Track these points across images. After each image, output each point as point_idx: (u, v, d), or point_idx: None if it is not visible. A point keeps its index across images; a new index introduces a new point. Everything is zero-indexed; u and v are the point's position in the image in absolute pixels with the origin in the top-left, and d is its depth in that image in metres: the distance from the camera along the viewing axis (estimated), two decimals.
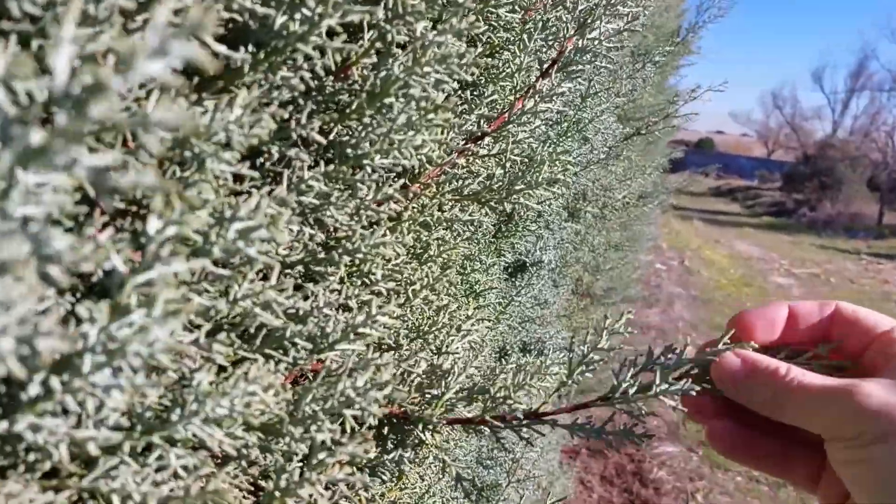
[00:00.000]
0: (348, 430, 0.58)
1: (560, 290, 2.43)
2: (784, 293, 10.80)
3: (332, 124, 0.56)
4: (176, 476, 0.42)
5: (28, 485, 0.35)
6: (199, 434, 0.40)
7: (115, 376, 0.33)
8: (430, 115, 0.54)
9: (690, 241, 14.85)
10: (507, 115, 0.78)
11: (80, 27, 0.21)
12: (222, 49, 0.38)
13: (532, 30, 0.80)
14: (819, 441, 0.53)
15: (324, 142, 0.52)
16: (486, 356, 1.22)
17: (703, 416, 0.61)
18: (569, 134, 1.27)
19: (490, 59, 0.85)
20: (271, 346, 0.52)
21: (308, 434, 0.48)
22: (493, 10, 0.77)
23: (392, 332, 0.76)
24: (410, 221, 0.69)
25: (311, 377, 0.64)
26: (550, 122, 1.24)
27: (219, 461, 0.57)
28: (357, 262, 0.60)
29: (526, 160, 0.78)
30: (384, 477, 0.71)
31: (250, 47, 0.47)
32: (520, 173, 0.77)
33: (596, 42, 0.78)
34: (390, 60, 0.53)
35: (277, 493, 0.47)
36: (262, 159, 0.55)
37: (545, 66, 0.80)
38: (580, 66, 0.78)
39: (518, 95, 0.81)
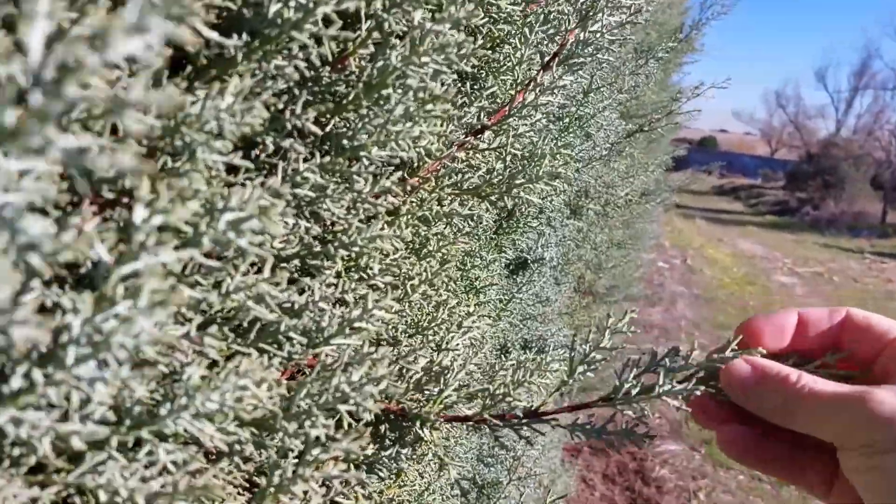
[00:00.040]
0: (345, 426, 0.57)
1: (562, 288, 2.42)
2: (787, 292, 10.77)
3: (328, 115, 0.55)
4: (166, 472, 0.41)
5: (12, 479, 0.34)
6: (190, 429, 0.39)
7: (100, 369, 0.32)
8: (429, 106, 0.53)
9: (693, 239, 14.82)
10: (507, 108, 0.77)
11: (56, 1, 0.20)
12: (213, 35, 0.37)
13: (533, 22, 0.79)
14: (832, 447, 0.52)
15: (320, 133, 0.51)
16: (486, 353, 1.21)
17: (713, 421, 0.60)
18: (570, 129, 1.26)
19: (491, 52, 0.84)
20: (265, 341, 0.52)
21: (302, 430, 0.47)
22: (494, 2, 0.76)
23: (390, 327, 0.76)
24: (409, 215, 0.68)
25: (307, 373, 0.63)
26: (552, 118, 1.23)
27: (212, 457, 0.56)
28: (354, 256, 0.59)
29: (527, 154, 0.77)
30: (381, 474, 0.71)
31: (244, 36, 0.47)
32: (520, 167, 0.76)
33: (598, 35, 0.77)
34: (388, 50, 0.53)
35: (271, 490, 0.46)
36: (256, 151, 0.54)
37: (546, 59, 0.79)
38: (581, 59, 0.77)
39: (519, 89, 0.80)
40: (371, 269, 0.62)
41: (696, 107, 2.77)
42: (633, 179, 2.72)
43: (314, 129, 0.49)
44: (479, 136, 0.78)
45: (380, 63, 0.52)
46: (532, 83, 0.77)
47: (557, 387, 0.64)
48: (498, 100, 0.84)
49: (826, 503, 0.57)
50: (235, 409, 0.40)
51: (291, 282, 0.56)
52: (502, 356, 1.67)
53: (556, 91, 0.76)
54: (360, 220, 0.59)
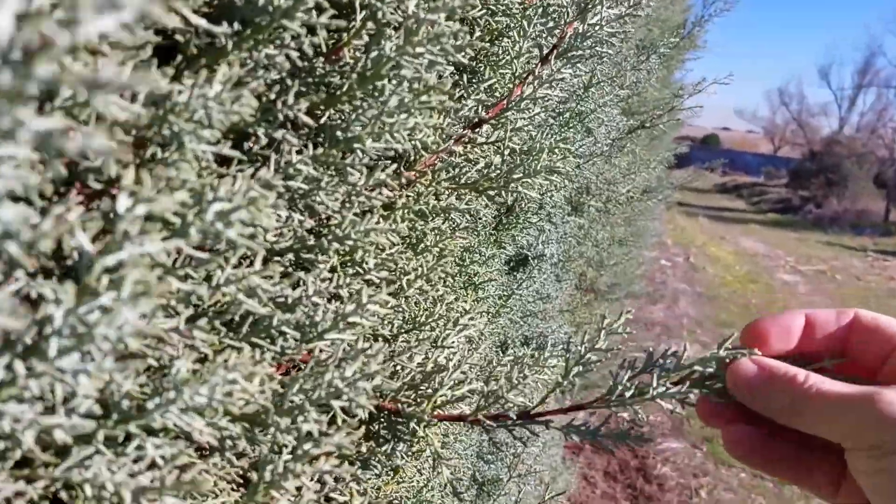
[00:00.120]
0: (339, 422, 0.57)
1: (563, 285, 2.42)
2: (790, 290, 10.75)
3: (321, 107, 0.54)
4: (154, 466, 0.40)
5: None
6: (178, 423, 0.38)
7: (84, 361, 0.31)
8: (424, 98, 0.52)
9: (695, 237, 14.79)
10: (505, 101, 0.77)
11: None
12: (200, 21, 0.37)
13: (532, 15, 0.79)
14: (839, 447, 0.51)
15: (312, 124, 0.50)
16: (484, 350, 1.20)
17: (718, 421, 0.59)
18: (570, 124, 1.25)
19: (489, 45, 0.83)
20: (258, 335, 0.51)
21: (295, 425, 0.47)
22: None
23: (386, 323, 0.75)
24: (405, 210, 0.67)
25: (302, 368, 0.62)
26: (552, 112, 1.22)
27: (205, 452, 0.56)
28: (349, 250, 0.58)
29: (525, 149, 0.77)
30: (376, 470, 0.70)
31: (236, 25, 0.46)
32: (519, 161, 0.75)
33: (597, 28, 0.76)
34: (382, 40, 0.52)
35: (263, 486, 0.46)
36: (249, 143, 0.53)
37: (545, 52, 0.79)
38: (580, 53, 0.76)
39: (517, 82, 0.79)
40: (366, 263, 0.62)
41: (698, 103, 2.76)
42: (635, 176, 2.71)
43: (307, 119, 0.48)
44: (476, 129, 0.77)
45: (374, 53, 0.52)
46: (530, 76, 0.76)
47: (553, 388, 0.64)
48: (496, 93, 0.83)
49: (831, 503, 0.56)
50: (225, 404, 0.39)
51: (285, 276, 0.55)
52: (502, 353, 1.67)
53: (554, 84, 0.75)
54: (355, 214, 0.58)
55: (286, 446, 0.48)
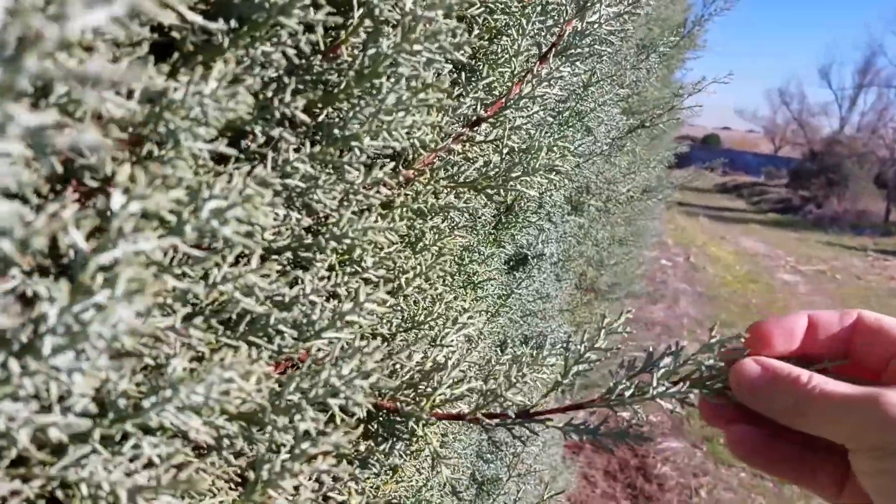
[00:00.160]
0: (337, 421, 0.57)
1: (563, 285, 2.41)
2: (790, 290, 10.75)
3: (319, 105, 0.54)
4: (151, 465, 0.40)
5: None
6: (174, 422, 0.38)
7: (79, 359, 0.31)
8: (421, 95, 0.52)
9: (696, 237, 14.79)
10: (504, 100, 0.77)
11: None
12: (197, 18, 0.37)
13: (531, 13, 0.79)
14: (843, 448, 0.51)
15: (309, 121, 0.50)
16: (483, 349, 1.20)
17: (722, 421, 0.59)
18: (570, 123, 1.25)
19: (488, 44, 0.83)
20: (255, 334, 0.51)
21: (292, 424, 0.47)
22: None
23: (384, 321, 0.75)
24: (403, 208, 0.67)
25: (301, 367, 0.62)
26: (551, 111, 1.22)
27: (203, 451, 0.55)
28: (347, 248, 0.58)
29: (524, 147, 0.76)
30: (374, 469, 0.70)
31: (233, 23, 0.46)
32: (517, 160, 0.75)
33: (596, 26, 0.76)
34: (379, 38, 0.52)
35: (260, 485, 0.45)
36: (246, 141, 0.53)
37: (544, 50, 0.78)
38: (579, 51, 0.76)
39: (516, 80, 0.79)
40: (364, 262, 0.62)
41: (698, 102, 2.76)
42: (635, 176, 2.71)
43: (303, 117, 0.48)
44: (475, 128, 0.77)
45: (371, 51, 0.51)
46: (529, 75, 0.76)
47: (552, 387, 0.63)
48: (495, 91, 0.83)
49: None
50: (221, 403, 0.39)
51: (282, 274, 0.55)
52: (501, 352, 1.67)
53: (553, 83, 0.75)
54: (353, 212, 0.58)
55: (284, 445, 0.48)
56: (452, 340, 0.76)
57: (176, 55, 0.45)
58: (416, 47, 0.50)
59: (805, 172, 22.48)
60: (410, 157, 0.71)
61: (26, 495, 0.39)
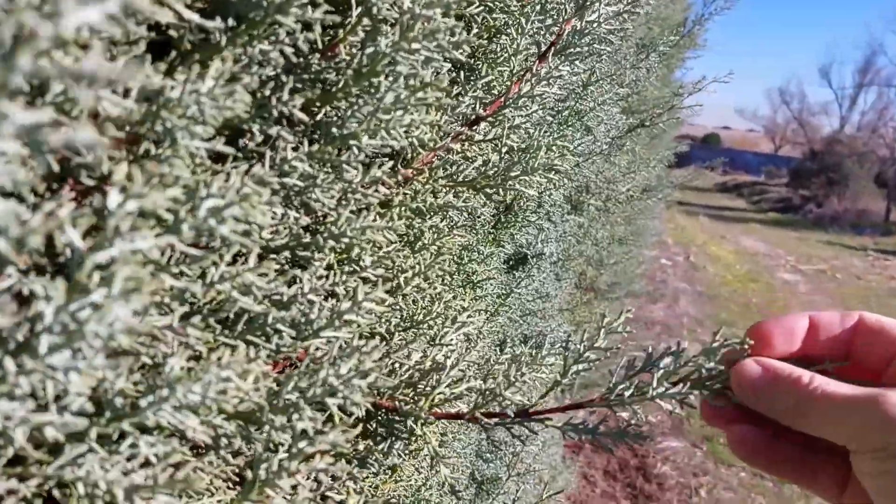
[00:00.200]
0: (336, 420, 0.57)
1: (563, 284, 2.41)
2: (790, 289, 10.75)
3: (317, 103, 0.54)
4: (148, 464, 0.40)
5: None
6: (171, 421, 0.38)
7: (75, 358, 0.31)
8: (420, 94, 0.52)
9: (696, 236, 14.79)
10: (503, 99, 0.76)
11: None
12: (194, 17, 0.36)
13: (530, 12, 0.78)
14: (844, 449, 0.51)
15: (307, 120, 0.50)
16: (482, 348, 1.20)
17: (723, 421, 0.58)
18: (570, 122, 1.25)
19: (487, 43, 0.83)
20: (254, 333, 0.51)
21: (290, 423, 0.47)
22: None
23: (383, 320, 0.75)
24: (401, 207, 0.67)
25: (300, 366, 0.62)
26: (550, 110, 1.22)
27: (201, 451, 0.55)
28: (345, 247, 0.58)
29: (523, 146, 0.76)
30: (373, 469, 0.70)
31: (230, 21, 0.46)
32: (516, 159, 0.75)
33: (595, 25, 0.76)
34: (378, 37, 0.52)
35: (258, 484, 0.45)
36: (244, 140, 0.53)
37: (543, 49, 0.78)
38: (578, 50, 0.76)
39: (515, 79, 0.79)
40: (363, 261, 0.61)
41: (697, 102, 2.76)
42: (635, 175, 2.71)
43: (301, 116, 0.48)
44: (474, 127, 0.77)
45: (370, 49, 0.51)
46: (528, 74, 0.76)
47: (551, 387, 0.63)
48: (494, 90, 0.83)
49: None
50: (218, 402, 0.39)
51: (280, 273, 0.55)
52: (500, 351, 1.67)
53: (552, 82, 0.75)
54: (352, 211, 0.58)
55: (282, 444, 0.48)
56: (451, 339, 0.76)
57: (174, 54, 0.45)
58: (415, 46, 0.50)
59: (805, 172, 22.48)
60: (409, 156, 0.71)
61: (23, 494, 0.39)
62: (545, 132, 1.09)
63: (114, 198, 0.30)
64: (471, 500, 1.73)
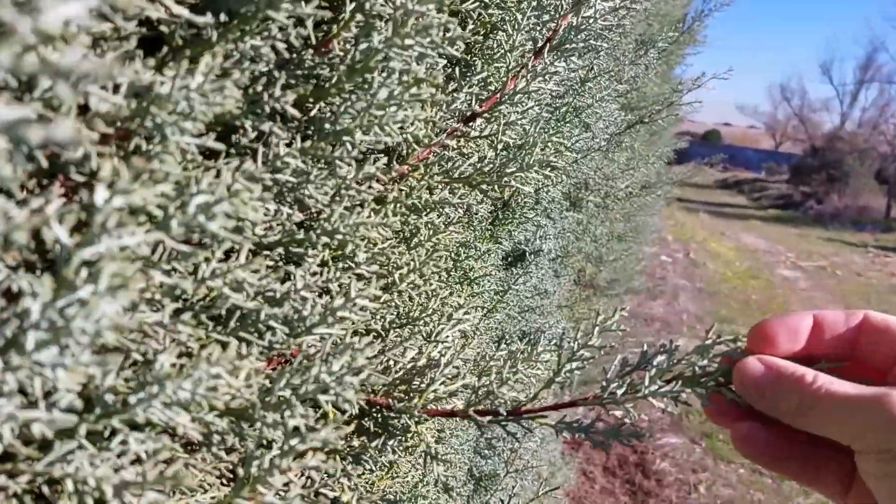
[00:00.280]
0: (330, 417, 0.56)
1: (561, 281, 2.41)
2: (790, 286, 10.75)
3: (311, 99, 0.54)
4: (139, 461, 0.40)
5: None
6: (161, 418, 0.38)
7: (63, 355, 0.31)
8: (413, 90, 0.52)
9: (696, 233, 14.78)
10: (499, 95, 0.76)
11: None
12: (183, 12, 0.36)
13: (526, 8, 0.78)
14: (849, 448, 0.50)
15: (299, 116, 0.50)
16: (479, 345, 1.20)
17: (727, 419, 0.58)
18: (567, 119, 1.25)
19: (483, 39, 0.83)
20: (246, 330, 0.51)
21: (282, 420, 0.46)
22: None
23: (378, 317, 0.75)
24: (396, 203, 0.67)
25: (292, 362, 0.62)
26: (548, 107, 1.21)
27: (194, 447, 0.55)
28: (339, 244, 0.58)
29: (519, 143, 0.76)
30: (368, 465, 0.70)
31: (222, 16, 0.45)
32: (512, 156, 0.75)
33: (591, 20, 0.76)
34: (371, 32, 0.51)
35: (248, 481, 0.45)
36: (237, 136, 0.53)
37: (539, 45, 0.78)
38: (574, 46, 0.76)
39: (511, 76, 0.79)
40: (357, 257, 0.61)
41: (697, 98, 2.75)
42: (634, 172, 2.71)
43: (293, 111, 0.48)
44: (470, 123, 0.77)
45: (363, 45, 0.51)
46: (524, 70, 0.76)
47: (544, 385, 0.63)
48: (491, 87, 0.83)
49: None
50: (209, 399, 0.39)
51: (273, 269, 0.55)
52: (497, 348, 1.66)
53: (548, 78, 0.75)
54: (346, 208, 0.58)
55: (275, 441, 0.48)
56: (447, 336, 0.76)
57: (165, 49, 0.45)
58: (408, 42, 0.50)
59: (806, 168, 22.46)
60: (404, 152, 0.70)
61: (13, 491, 0.39)
62: (542, 129, 1.09)
63: (100, 194, 0.30)
64: (469, 497, 1.74)
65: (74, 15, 0.20)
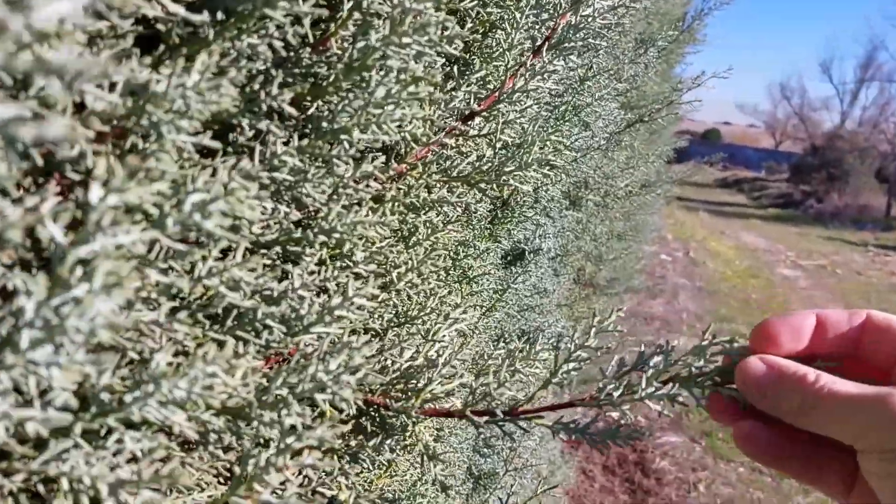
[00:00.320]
0: (328, 416, 0.56)
1: (561, 279, 2.41)
2: (790, 285, 10.75)
3: (309, 98, 0.53)
4: (135, 460, 0.40)
5: None
6: (157, 416, 0.38)
7: (58, 353, 0.31)
8: (411, 88, 0.52)
9: (696, 232, 14.78)
10: (498, 94, 0.76)
11: None
12: (179, 10, 0.36)
13: (525, 6, 0.78)
14: (851, 448, 0.50)
15: (296, 114, 0.50)
16: (477, 344, 1.20)
17: (729, 417, 0.58)
18: (567, 117, 1.25)
19: (481, 38, 0.83)
20: (243, 328, 0.51)
21: (278, 419, 0.46)
22: None
23: (377, 316, 0.75)
24: (394, 202, 0.67)
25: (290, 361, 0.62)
26: (547, 105, 1.21)
27: (192, 446, 0.55)
28: (336, 243, 0.58)
29: (518, 142, 0.76)
30: (365, 464, 0.70)
31: (219, 15, 0.45)
32: (510, 154, 0.74)
33: (590, 19, 0.76)
34: (369, 31, 0.51)
35: (245, 479, 0.45)
36: (234, 135, 0.53)
37: (538, 43, 0.78)
38: (573, 44, 0.75)
39: (510, 74, 0.79)
40: (354, 256, 0.61)
41: (696, 97, 2.75)
42: (634, 170, 2.71)
43: (291, 109, 0.48)
44: (469, 122, 0.77)
45: (360, 44, 0.51)
46: (522, 68, 0.76)
47: (541, 386, 0.63)
48: (490, 85, 0.83)
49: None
50: (205, 397, 0.39)
51: (271, 268, 0.55)
52: (495, 347, 1.66)
53: (546, 76, 0.75)
54: (344, 207, 0.58)
55: (273, 440, 0.48)
56: (444, 336, 0.76)
57: (162, 48, 0.45)
58: (405, 40, 0.50)
59: (806, 167, 22.45)
60: (402, 150, 0.70)
61: (9, 489, 0.39)
62: (541, 127, 1.09)
63: (95, 192, 0.30)
64: (468, 495, 1.74)
65: (66, 12, 0.19)
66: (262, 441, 0.51)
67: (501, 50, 0.80)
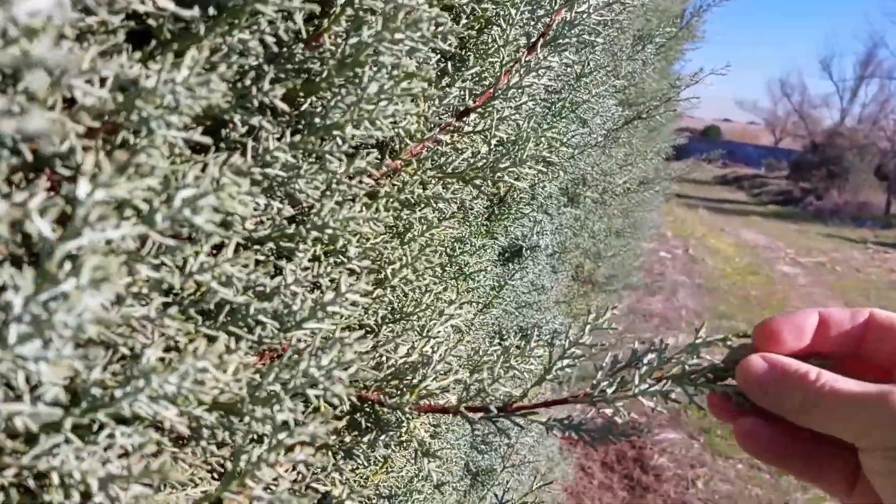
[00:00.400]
0: (321, 412, 0.56)
1: (559, 276, 2.41)
2: (790, 282, 10.75)
3: (301, 93, 0.53)
4: (126, 454, 0.40)
5: None
6: (147, 411, 0.38)
7: (47, 348, 0.31)
8: (404, 84, 0.52)
9: (695, 229, 14.78)
10: (492, 90, 0.76)
11: None
12: (169, 5, 0.36)
13: (520, 2, 0.78)
14: (853, 446, 0.50)
15: (288, 110, 0.49)
16: (473, 340, 1.20)
17: (729, 414, 0.58)
18: (563, 114, 1.25)
19: (476, 34, 0.83)
20: (236, 324, 0.51)
21: (270, 414, 0.46)
22: None
23: (371, 313, 0.75)
24: (388, 198, 0.67)
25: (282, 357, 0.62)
26: (544, 101, 1.21)
27: (184, 441, 0.55)
28: (330, 239, 0.58)
29: (513, 138, 0.76)
30: (360, 460, 0.70)
31: (211, 10, 0.45)
32: (505, 151, 0.74)
33: (584, 15, 0.76)
34: (361, 27, 0.51)
35: (237, 475, 0.45)
36: (226, 130, 0.53)
37: (532, 40, 0.78)
38: (568, 40, 0.75)
39: (505, 70, 0.78)
40: (348, 252, 0.61)
41: (695, 94, 2.75)
42: (632, 167, 2.70)
43: (282, 105, 0.48)
44: (463, 118, 0.76)
45: (353, 39, 0.51)
46: (517, 64, 0.76)
47: (535, 382, 0.63)
48: (484, 82, 0.83)
49: (847, 503, 0.55)
50: (195, 392, 0.39)
51: (263, 264, 0.55)
52: (489, 344, 1.66)
53: (541, 73, 0.75)
54: (337, 202, 0.58)
55: (266, 436, 0.48)
56: (440, 332, 0.76)
57: (153, 43, 0.45)
58: (398, 36, 0.50)
59: (806, 164, 22.44)
60: (397, 147, 0.70)
61: (0, 484, 0.39)
62: (537, 124, 1.09)
63: (83, 187, 0.30)
64: (465, 492, 1.74)
65: (44, 7, 0.19)
66: (255, 437, 0.51)
67: (496, 46, 0.80)
